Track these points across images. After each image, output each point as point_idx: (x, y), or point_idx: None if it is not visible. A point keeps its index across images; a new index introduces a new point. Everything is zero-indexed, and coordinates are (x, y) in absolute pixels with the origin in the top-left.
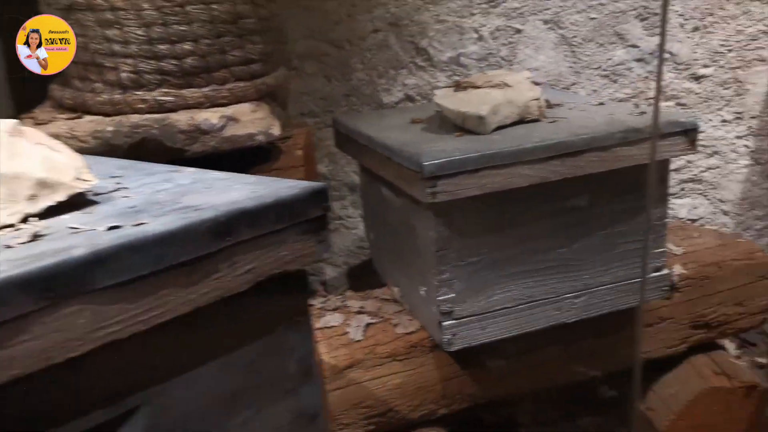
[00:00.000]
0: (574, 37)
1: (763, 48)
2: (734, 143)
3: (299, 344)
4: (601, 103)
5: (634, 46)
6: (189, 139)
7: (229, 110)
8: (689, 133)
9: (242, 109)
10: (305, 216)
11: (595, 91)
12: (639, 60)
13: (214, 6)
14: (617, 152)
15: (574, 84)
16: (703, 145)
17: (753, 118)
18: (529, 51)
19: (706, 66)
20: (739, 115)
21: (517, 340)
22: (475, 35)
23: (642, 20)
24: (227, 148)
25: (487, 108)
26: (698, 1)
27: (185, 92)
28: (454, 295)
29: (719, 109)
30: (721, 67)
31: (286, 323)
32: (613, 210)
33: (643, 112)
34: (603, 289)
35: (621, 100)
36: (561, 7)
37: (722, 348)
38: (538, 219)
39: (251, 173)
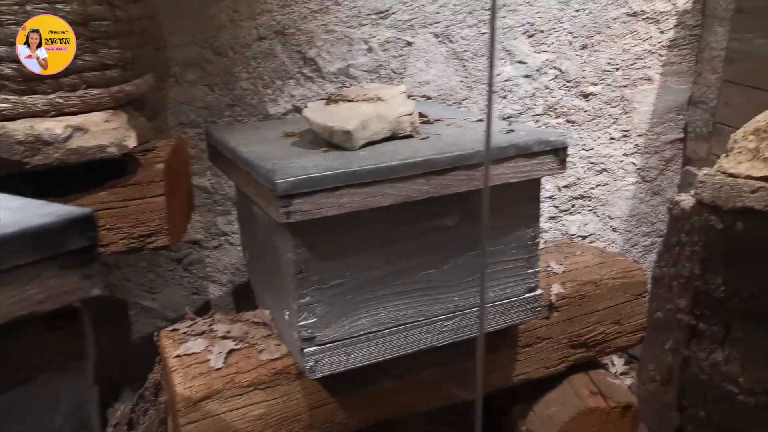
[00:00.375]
0: (465, 51)
1: (649, 67)
2: (622, 160)
3: (69, 394)
4: (480, 120)
5: (521, 62)
6: (29, 151)
7: (77, 119)
8: (559, 152)
9: (93, 119)
10: (64, 248)
11: (486, 105)
12: (527, 76)
13: (60, 6)
14: (483, 171)
15: (465, 99)
16: (592, 162)
17: (640, 136)
18: (420, 64)
19: (594, 84)
20: (626, 133)
21: (390, 364)
22: (365, 46)
23: (529, 37)
24: (75, 160)
25: (355, 123)
26: (586, 20)
27: (27, 99)
28: (316, 319)
29: (607, 127)
30: (609, 85)
31: (51, 371)
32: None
33: (511, 130)
34: (475, 310)
35: (509, 117)
36: (451, 21)
37: (604, 366)
38: (405, 239)
39: (105, 188)
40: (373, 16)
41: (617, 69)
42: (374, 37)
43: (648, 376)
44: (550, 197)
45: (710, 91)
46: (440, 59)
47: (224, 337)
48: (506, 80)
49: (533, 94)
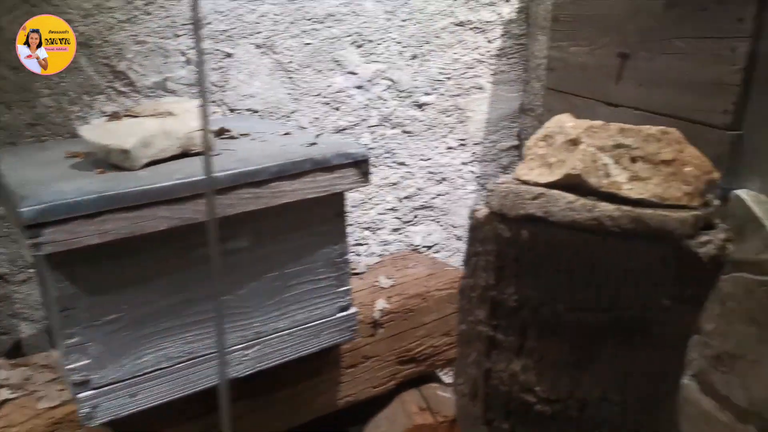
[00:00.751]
0: (290, 62)
1: (480, 76)
2: (461, 169)
3: None
4: (287, 133)
5: (352, 73)
6: None
7: None
8: (360, 165)
9: None
10: None
11: (317, 118)
12: (359, 87)
13: None
14: (274, 187)
15: (294, 111)
16: (431, 172)
17: (476, 144)
18: (243, 76)
19: (427, 94)
20: (463, 142)
21: (189, 402)
22: (182, 58)
23: (358, 47)
24: None
25: (134, 140)
26: (414, 29)
27: None
28: (89, 360)
29: (444, 137)
30: (442, 94)
31: None
32: (282, 250)
33: (313, 143)
34: (279, 336)
35: (343, 129)
36: (273, 31)
37: (439, 379)
38: (192, 265)
39: None
40: (189, 26)
41: (449, 78)
42: (192, 48)
43: (459, 390)
44: (391, 209)
45: (536, 98)
46: (264, 71)
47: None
48: (338, 92)
49: (367, 105)
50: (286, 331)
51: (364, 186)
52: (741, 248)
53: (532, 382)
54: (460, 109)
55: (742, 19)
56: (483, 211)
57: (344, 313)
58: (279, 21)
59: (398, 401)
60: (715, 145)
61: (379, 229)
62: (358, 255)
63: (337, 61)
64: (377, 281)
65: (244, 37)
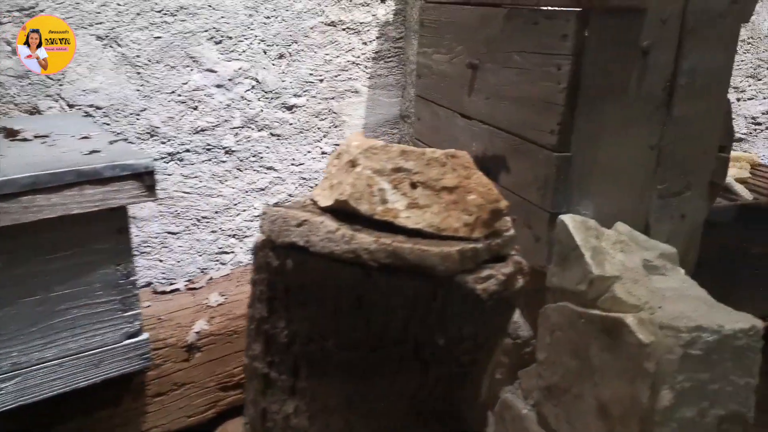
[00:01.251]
0: (138, 56)
1: (355, 79)
2: None
3: None
4: (86, 137)
5: (211, 70)
6: None
7: None
8: (144, 177)
9: None
10: None
11: (171, 118)
12: (219, 86)
13: None
14: (27, 202)
15: (144, 110)
16: (303, 178)
17: None
18: (82, 69)
19: (297, 95)
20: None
21: None
22: (8, 48)
23: (216, 43)
24: None
25: None
26: (280, 27)
27: None
28: None
29: (318, 141)
30: (314, 97)
31: None
32: (46, 270)
33: (94, 151)
34: (46, 366)
35: (201, 130)
36: (117, 22)
37: None
38: None
39: None
40: (16, 13)
41: (321, 80)
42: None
43: (245, 429)
44: (260, 216)
45: (412, 105)
46: (108, 65)
47: None
48: (195, 90)
49: (229, 105)
50: (55, 362)
51: (150, 201)
52: (565, 276)
53: (304, 426)
54: (334, 112)
55: (565, 36)
56: (260, 236)
57: (132, 340)
58: (123, 12)
59: (220, 431)
60: (545, 165)
61: (246, 236)
62: (223, 264)
63: (192, 57)
64: (206, 299)
65: (83, 28)
